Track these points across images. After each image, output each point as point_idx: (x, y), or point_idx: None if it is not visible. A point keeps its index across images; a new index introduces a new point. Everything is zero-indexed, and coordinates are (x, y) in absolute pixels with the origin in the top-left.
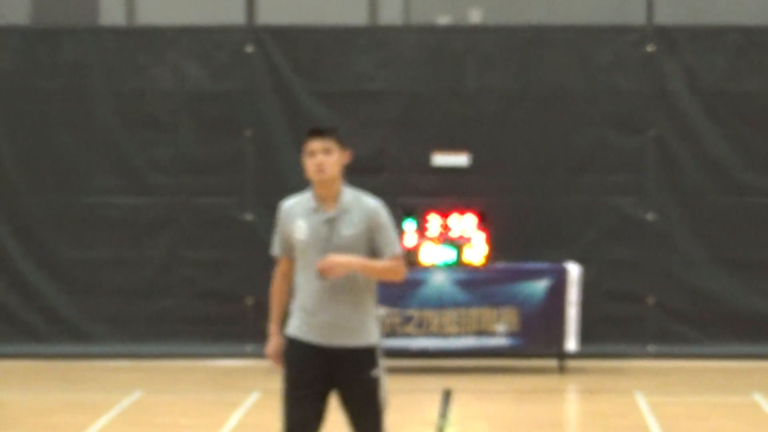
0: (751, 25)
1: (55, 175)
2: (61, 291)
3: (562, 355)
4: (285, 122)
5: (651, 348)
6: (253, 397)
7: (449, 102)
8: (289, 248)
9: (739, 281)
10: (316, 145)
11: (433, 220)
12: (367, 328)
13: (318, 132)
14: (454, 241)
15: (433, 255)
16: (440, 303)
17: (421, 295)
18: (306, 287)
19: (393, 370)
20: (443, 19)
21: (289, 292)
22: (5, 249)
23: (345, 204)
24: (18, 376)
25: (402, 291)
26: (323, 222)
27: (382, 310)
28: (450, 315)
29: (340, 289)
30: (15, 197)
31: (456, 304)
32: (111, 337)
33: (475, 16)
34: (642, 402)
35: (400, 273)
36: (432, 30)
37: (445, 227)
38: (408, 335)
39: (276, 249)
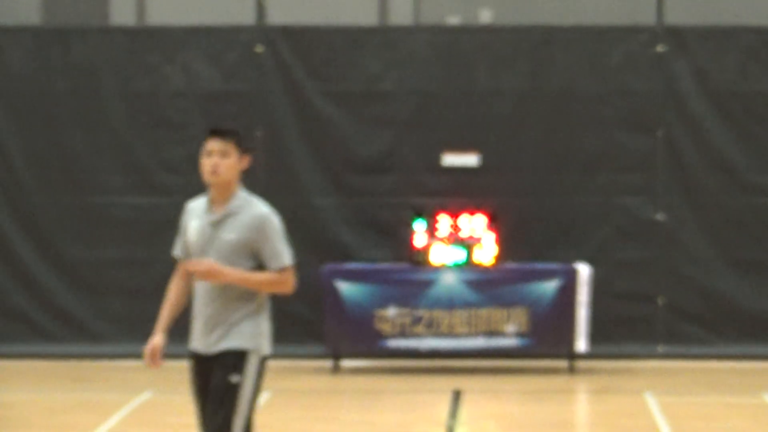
0: (762, 25)
1: (65, 175)
2: (72, 291)
3: (572, 356)
4: (295, 122)
5: (661, 348)
6: (263, 397)
7: (459, 102)
8: (188, 249)
9: (749, 281)
10: (214, 145)
11: (444, 221)
12: (240, 331)
13: (218, 133)
14: (464, 241)
15: (443, 255)
16: (450, 303)
17: (431, 295)
18: (195, 292)
19: (403, 371)
20: (453, 20)
21: (187, 294)
22: (16, 249)
23: (232, 208)
24: (29, 376)
25: (412, 291)
26: (209, 224)
27: (393, 310)
28: (460, 315)
29: (217, 295)
30: (25, 197)
31: (466, 305)
32: (121, 336)
33: (486, 16)
34: (652, 402)
35: (284, 286)
36: (442, 30)
37: (456, 227)
38: (418, 335)
39: (176, 249)
